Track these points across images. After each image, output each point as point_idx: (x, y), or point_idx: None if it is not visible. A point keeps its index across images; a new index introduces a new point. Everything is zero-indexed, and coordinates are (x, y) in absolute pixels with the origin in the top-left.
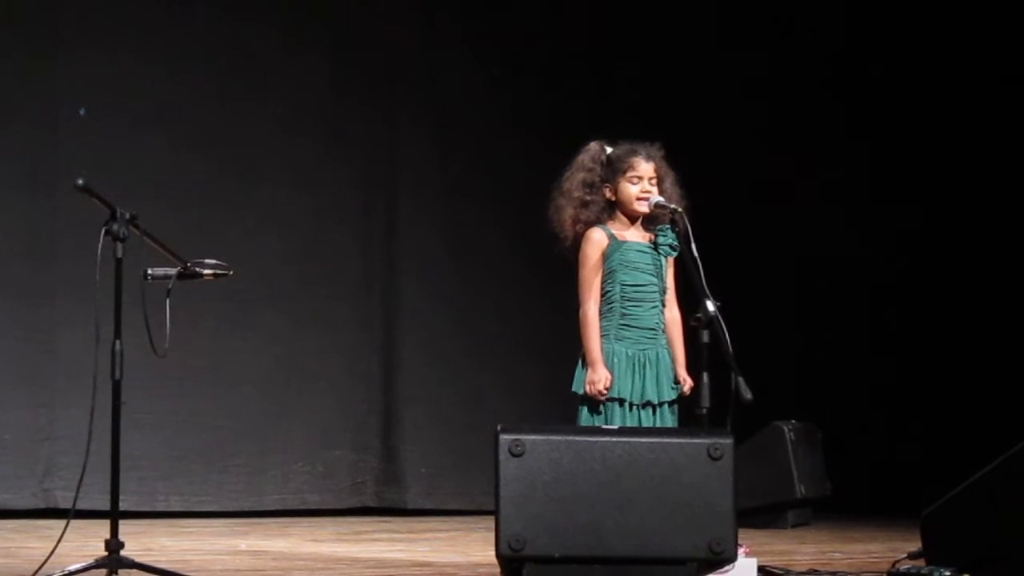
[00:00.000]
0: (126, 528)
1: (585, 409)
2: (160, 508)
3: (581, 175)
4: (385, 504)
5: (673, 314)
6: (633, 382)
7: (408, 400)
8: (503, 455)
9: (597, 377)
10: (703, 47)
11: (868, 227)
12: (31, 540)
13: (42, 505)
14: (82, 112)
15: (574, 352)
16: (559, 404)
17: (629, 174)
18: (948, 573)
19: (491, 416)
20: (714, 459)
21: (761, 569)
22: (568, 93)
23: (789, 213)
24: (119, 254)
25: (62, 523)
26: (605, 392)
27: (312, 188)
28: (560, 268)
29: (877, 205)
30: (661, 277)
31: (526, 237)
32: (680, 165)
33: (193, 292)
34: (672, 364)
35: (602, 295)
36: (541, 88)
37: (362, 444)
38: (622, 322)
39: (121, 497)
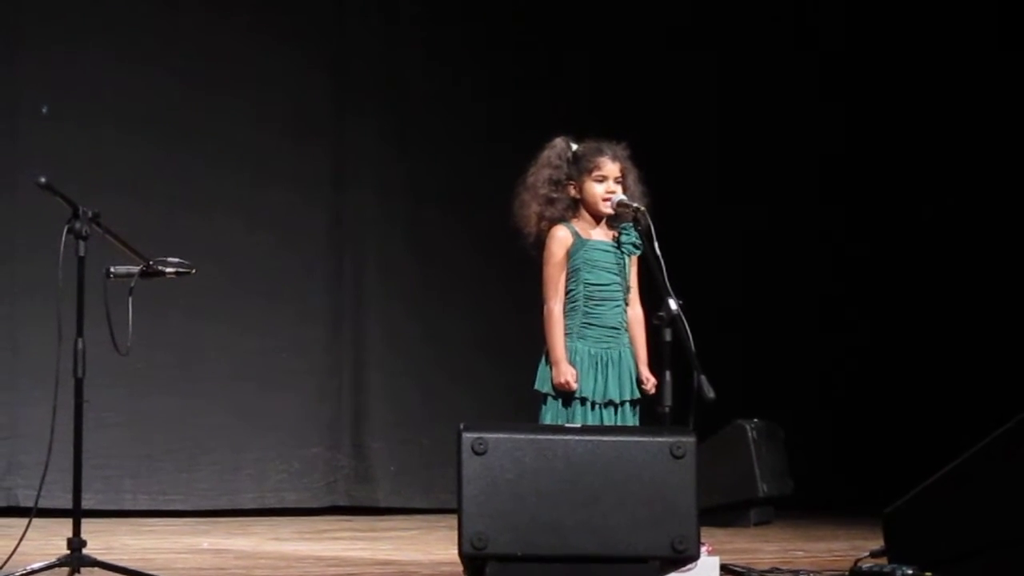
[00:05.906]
0: (88, 527)
1: (547, 407)
2: (127, 507)
3: (547, 172)
4: (356, 503)
5: (636, 312)
6: (595, 381)
7: (376, 398)
8: (466, 453)
9: (564, 378)
10: (664, 44)
11: (823, 229)
12: None
13: (3, 504)
14: (44, 110)
15: (539, 351)
16: (523, 403)
17: (595, 173)
18: (910, 571)
19: (454, 414)
20: (676, 457)
21: (724, 567)
22: (529, 90)
23: (746, 214)
24: (81, 252)
25: (24, 521)
26: (576, 385)
27: (281, 185)
28: (523, 267)
29: (830, 206)
30: (624, 276)
31: (490, 235)
32: (644, 163)
33: (162, 289)
34: (634, 363)
35: (565, 293)
36: (503, 85)
37: (334, 442)
38: (584, 320)
39: (87, 496)
